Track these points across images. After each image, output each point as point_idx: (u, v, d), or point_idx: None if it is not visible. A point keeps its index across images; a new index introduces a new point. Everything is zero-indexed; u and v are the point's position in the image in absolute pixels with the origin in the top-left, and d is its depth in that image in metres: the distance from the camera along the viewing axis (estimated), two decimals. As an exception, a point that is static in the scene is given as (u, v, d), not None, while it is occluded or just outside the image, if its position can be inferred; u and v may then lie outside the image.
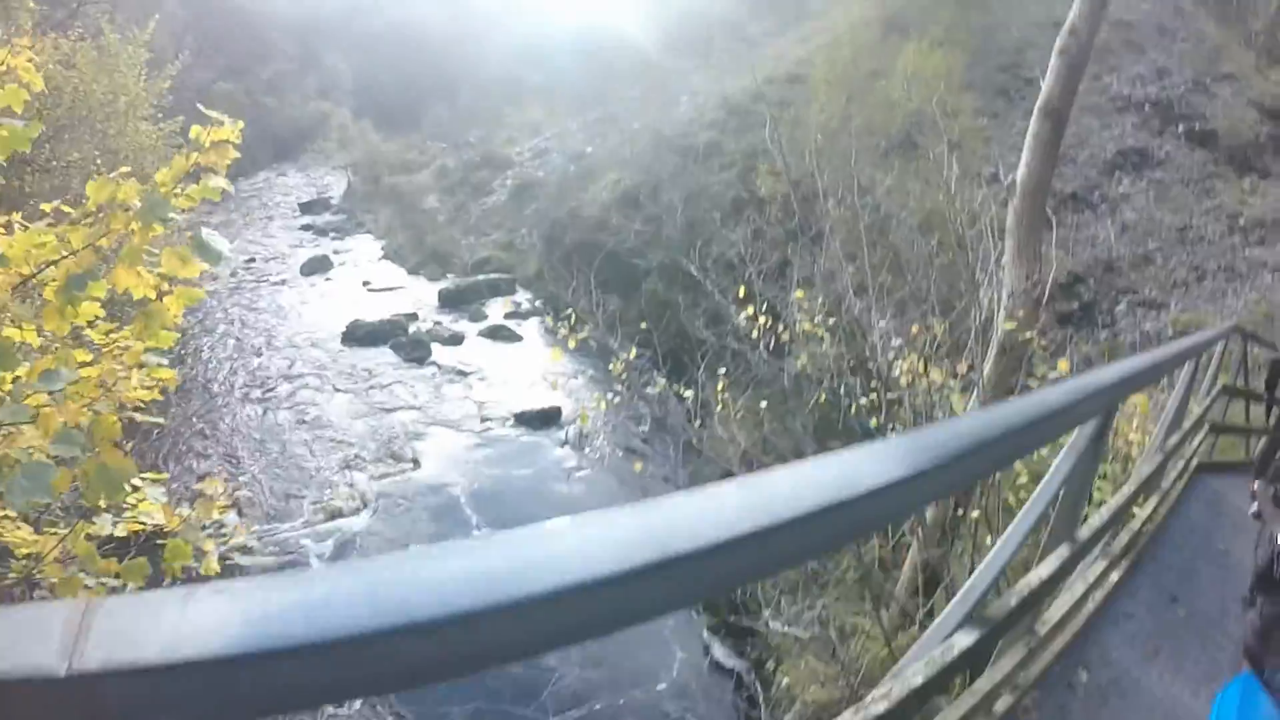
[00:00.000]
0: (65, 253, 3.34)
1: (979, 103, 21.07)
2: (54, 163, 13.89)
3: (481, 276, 26.52)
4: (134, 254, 3.30)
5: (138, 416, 3.83)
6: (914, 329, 6.68)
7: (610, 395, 13.84)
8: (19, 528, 3.80)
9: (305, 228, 35.65)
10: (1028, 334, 6.40)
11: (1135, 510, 4.49)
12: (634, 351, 7.66)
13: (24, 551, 3.76)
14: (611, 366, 8.06)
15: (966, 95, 19.97)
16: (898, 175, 14.64)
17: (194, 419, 16.90)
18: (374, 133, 46.50)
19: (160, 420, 3.95)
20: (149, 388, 3.79)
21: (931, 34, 22.70)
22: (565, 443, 15.44)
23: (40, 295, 3.53)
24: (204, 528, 4.13)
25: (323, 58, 65.60)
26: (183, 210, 3.45)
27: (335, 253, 30.91)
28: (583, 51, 44.56)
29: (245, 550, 4.42)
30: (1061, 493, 2.50)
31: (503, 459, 14.91)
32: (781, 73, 27.32)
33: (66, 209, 3.64)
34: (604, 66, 41.19)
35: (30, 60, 3.52)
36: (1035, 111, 7.32)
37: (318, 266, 28.90)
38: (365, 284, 27.09)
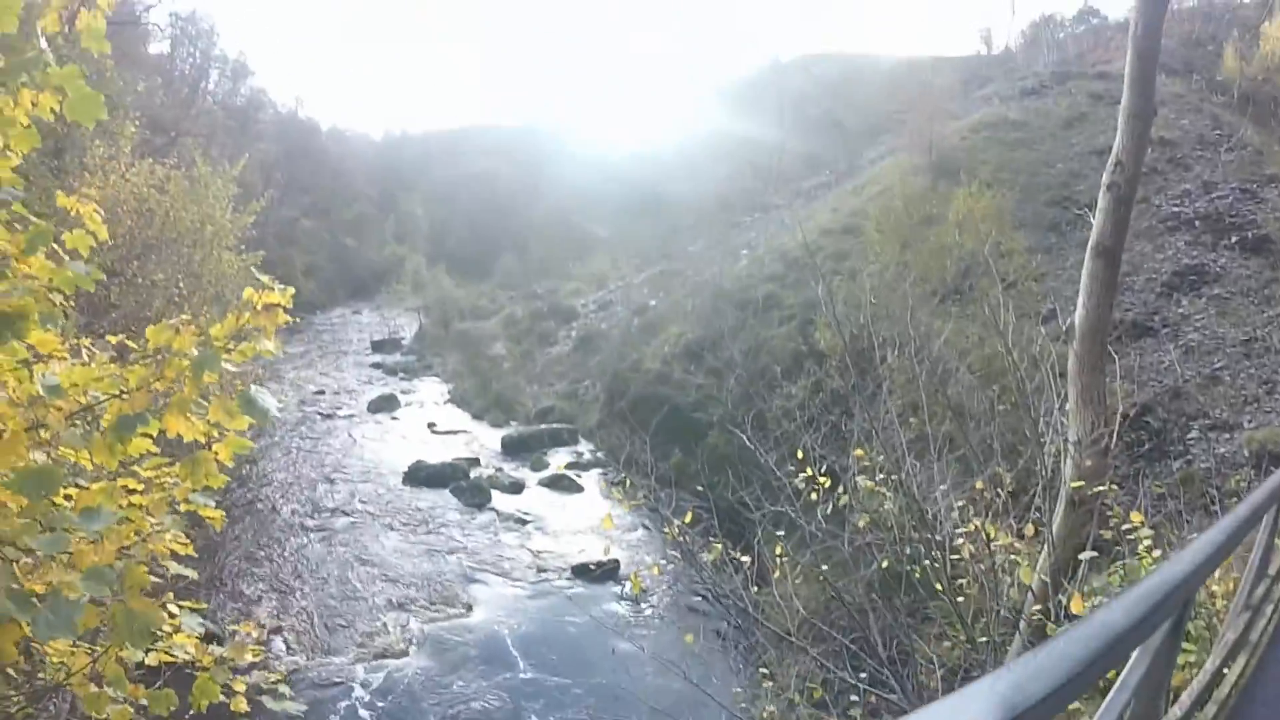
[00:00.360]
0: (121, 390, 3.41)
1: (1031, 240, 21.17)
2: (140, 279, 14.51)
3: (544, 425, 26.75)
4: (184, 403, 3.36)
5: (172, 567, 3.83)
6: (978, 484, 6.41)
7: (662, 561, 13.55)
8: (53, 637, 3.77)
9: (376, 365, 36.92)
10: (1098, 486, 6.06)
11: (1224, 671, 4.09)
12: (689, 516, 7.45)
13: (56, 660, 3.71)
14: (666, 532, 7.89)
15: (1018, 234, 20.09)
16: (955, 322, 14.54)
17: (251, 539, 17.08)
18: (446, 278, 48.42)
19: (192, 574, 3.94)
20: (184, 542, 3.80)
21: (980, 176, 23.09)
22: (621, 598, 15.03)
23: (97, 425, 3.57)
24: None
25: (401, 204, 69.73)
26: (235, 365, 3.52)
27: (403, 392, 31.64)
28: (647, 208, 46.49)
29: (275, 694, 4.29)
30: (1133, 700, 2.22)
31: (557, 611, 14.51)
32: (838, 225, 27.94)
33: (130, 343, 3.75)
34: (667, 222, 42.77)
35: (96, 211, 3.70)
36: (1088, 251, 7.09)
37: (385, 405, 29.54)
38: (430, 425, 27.46)
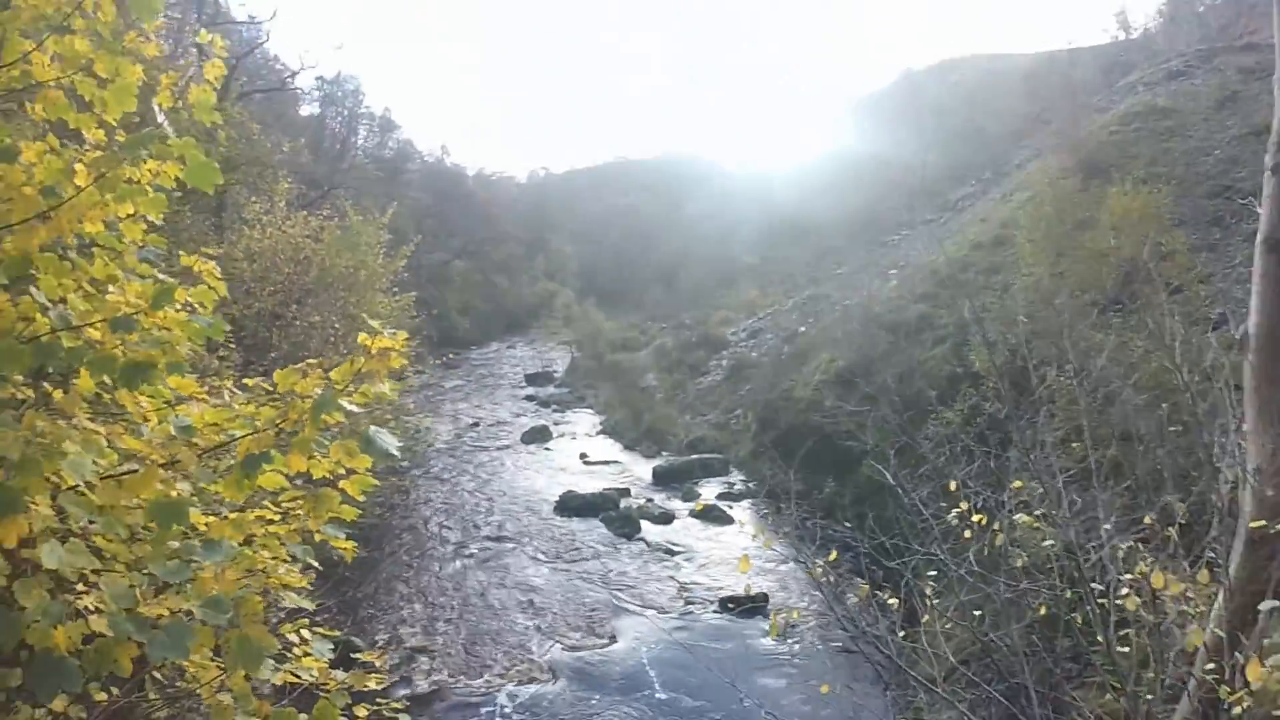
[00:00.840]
0: (249, 431, 3.62)
1: (1193, 237, 19.33)
2: (298, 321, 15.60)
3: (695, 455, 26.64)
4: (304, 444, 3.51)
5: (290, 598, 4.04)
6: (1146, 519, 5.88)
7: (803, 604, 13.15)
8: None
9: (529, 398, 38.06)
10: (1281, 523, 5.32)
11: None
12: (834, 554, 7.17)
13: (192, 670, 3.99)
14: (809, 571, 7.64)
15: (1178, 232, 18.43)
16: (1116, 335, 13.44)
17: (403, 559, 17.93)
18: (597, 312, 49.39)
19: (308, 604, 4.17)
20: (305, 572, 4.12)
21: (1132, 173, 21.38)
22: (766, 634, 14.66)
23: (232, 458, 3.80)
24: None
25: (549, 242, 72.00)
26: (359, 407, 3.67)
27: (556, 424, 32.37)
28: (794, 232, 46.10)
29: None
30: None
31: (702, 645, 14.29)
32: (987, 236, 26.71)
33: (266, 386, 4.00)
34: (815, 245, 42.28)
35: (213, 271, 4.02)
36: (1258, 245, 6.22)
37: (538, 436, 30.28)
38: (582, 456, 27.92)
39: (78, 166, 3.44)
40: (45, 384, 3.67)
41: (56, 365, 3.43)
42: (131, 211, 3.63)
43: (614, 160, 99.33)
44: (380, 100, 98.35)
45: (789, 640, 14.09)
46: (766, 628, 14.36)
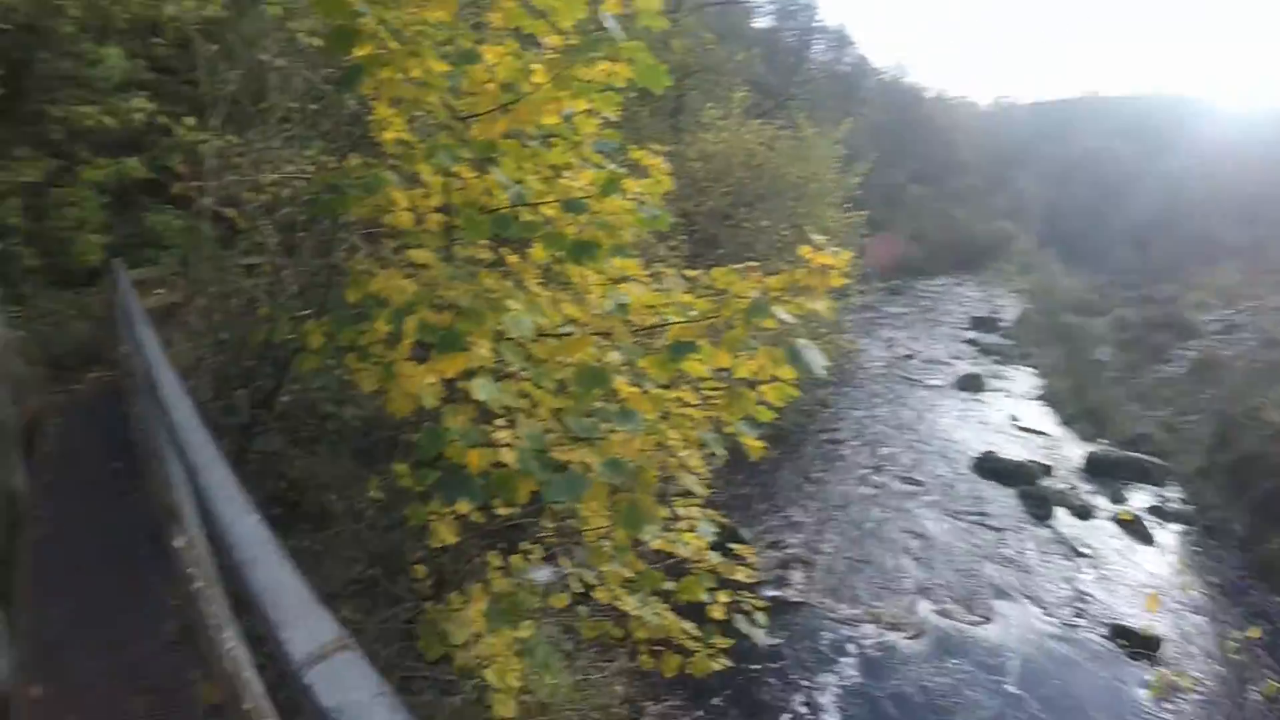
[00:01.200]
0: (682, 318, 3.89)
1: None
2: (746, 224, 16.44)
3: (1134, 453, 23.42)
4: (733, 341, 3.70)
5: (684, 479, 4.33)
6: None
7: (1203, 671, 11.22)
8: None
9: (969, 342, 35.97)
10: None
11: None
12: (1257, 631, 6.08)
13: (584, 514, 4.55)
14: (1221, 640, 6.59)
15: None
16: None
17: (808, 470, 18.45)
18: (1057, 265, 44.82)
19: (701, 489, 4.44)
20: (708, 456, 4.41)
21: None
22: (1148, 686, 12.69)
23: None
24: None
25: (1011, 179, 66.91)
26: (792, 317, 3.76)
27: (993, 376, 30.37)
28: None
29: (751, 619, 4.80)
30: None
31: (1075, 666, 12.75)
32: None
33: (706, 281, 4.24)
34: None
35: (662, 166, 4.28)
36: None
37: (971, 384, 28.77)
38: (1013, 418, 25.97)
39: (534, 67, 3.90)
40: (504, 249, 4.31)
41: (512, 236, 3.99)
42: (586, 108, 4.03)
43: (1086, 95, 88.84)
44: (835, 15, 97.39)
45: (1166, 704, 12.07)
46: (1148, 679, 12.53)
